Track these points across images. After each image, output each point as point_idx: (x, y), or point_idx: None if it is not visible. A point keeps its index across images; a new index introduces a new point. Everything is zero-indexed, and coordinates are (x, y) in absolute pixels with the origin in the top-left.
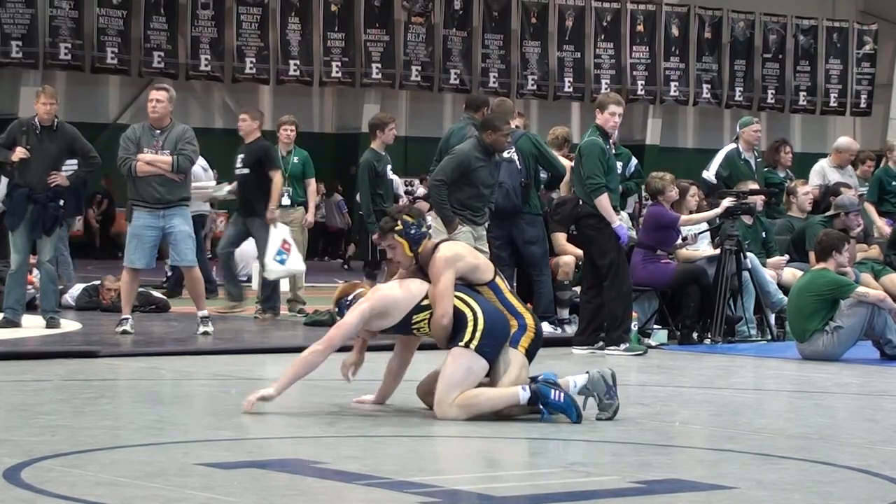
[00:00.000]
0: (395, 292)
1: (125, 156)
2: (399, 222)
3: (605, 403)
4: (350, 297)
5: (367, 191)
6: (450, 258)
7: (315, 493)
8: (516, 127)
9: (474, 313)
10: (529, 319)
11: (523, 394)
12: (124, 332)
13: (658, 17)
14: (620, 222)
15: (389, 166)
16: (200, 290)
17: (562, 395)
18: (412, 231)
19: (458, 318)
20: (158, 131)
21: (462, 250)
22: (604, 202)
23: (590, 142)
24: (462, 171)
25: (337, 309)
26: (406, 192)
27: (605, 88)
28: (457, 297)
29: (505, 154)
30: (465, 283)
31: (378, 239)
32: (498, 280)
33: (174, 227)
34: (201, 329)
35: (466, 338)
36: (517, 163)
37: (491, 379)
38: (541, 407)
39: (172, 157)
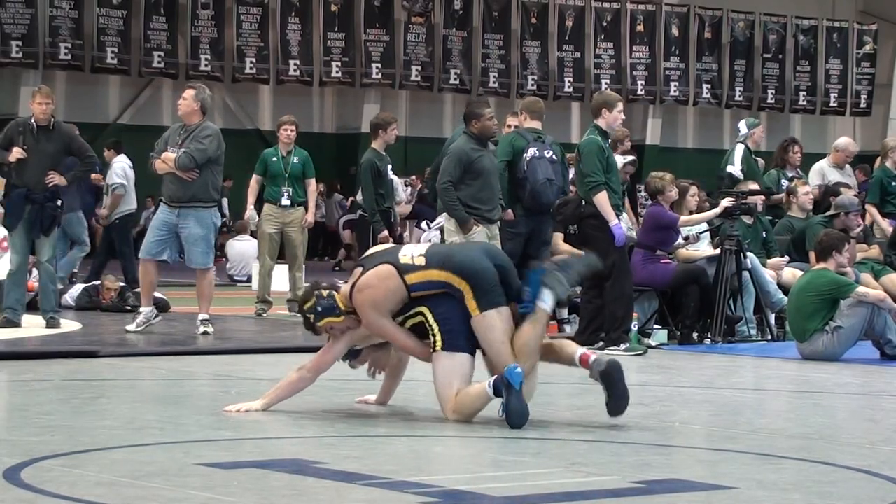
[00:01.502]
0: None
1: (152, 153)
2: (310, 316)
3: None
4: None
5: (371, 191)
6: (369, 308)
7: (315, 493)
8: (513, 127)
9: (425, 316)
10: (460, 282)
11: (489, 390)
12: (138, 325)
13: (658, 17)
14: (619, 222)
15: (390, 166)
16: (209, 293)
17: (503, 401)
18: (320, 309)
19: (421, 329)
20: (185, 130)
21: (369, 293)
22: (602, 199)
23: (589, 140)
24: (463, 166)
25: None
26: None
27: (605, 88)
28: (412, 313)
29: (547, 154)
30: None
31: (323, 334)
32: (410, 278)
33: (186, 229)
34: (201, 329)
35: (432, 342)
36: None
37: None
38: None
39: (176, 154)
